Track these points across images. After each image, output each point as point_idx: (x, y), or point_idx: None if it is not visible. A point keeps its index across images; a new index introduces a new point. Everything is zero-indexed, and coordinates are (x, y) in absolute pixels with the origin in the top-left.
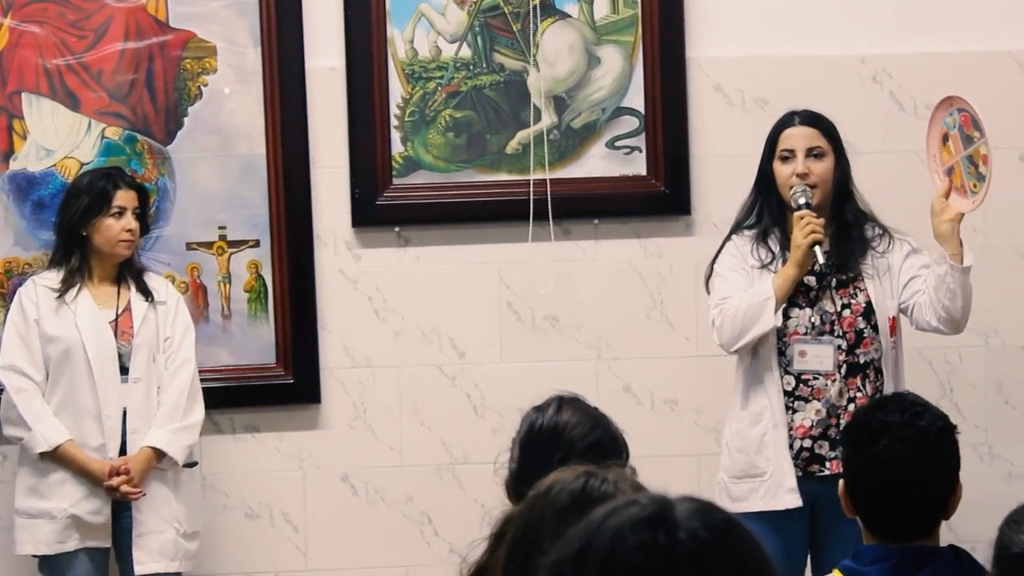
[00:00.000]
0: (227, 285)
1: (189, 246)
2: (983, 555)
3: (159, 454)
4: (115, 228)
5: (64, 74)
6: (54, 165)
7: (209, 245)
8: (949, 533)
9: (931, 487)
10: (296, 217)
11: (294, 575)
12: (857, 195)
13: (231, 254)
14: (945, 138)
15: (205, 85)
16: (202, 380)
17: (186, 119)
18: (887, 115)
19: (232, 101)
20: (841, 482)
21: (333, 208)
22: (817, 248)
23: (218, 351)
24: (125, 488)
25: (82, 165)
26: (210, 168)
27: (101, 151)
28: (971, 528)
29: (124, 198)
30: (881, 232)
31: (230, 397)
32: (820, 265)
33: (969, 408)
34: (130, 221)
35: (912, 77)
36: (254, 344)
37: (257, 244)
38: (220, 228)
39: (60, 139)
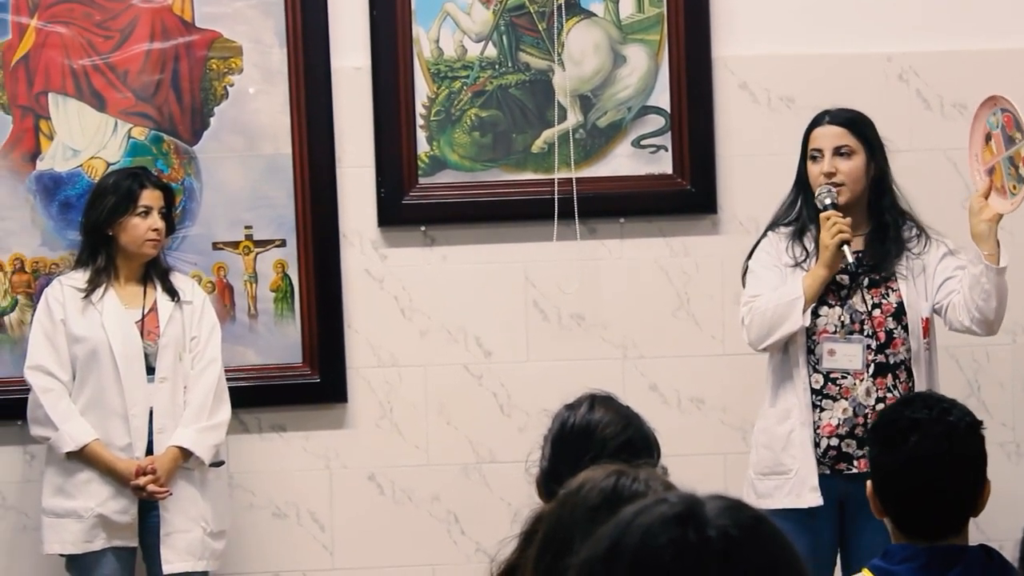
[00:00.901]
0: (253, 285)
1: (215, 246)
2: (1011, 553)
3: (186, 454)
4: (141, 228)
5: (90, 74)
6: (80, 165)
7: (235, 245)
8: (977, 531)
9: (960, 483)
10: (322, 217)
11: (321, 574)
12: (897, 193)
13: (257, 254)
14: (988, 137)
15: (231, 85)
16: (229, 379)
17: (212, 119)
18: (913, 113)
19: (258, 101)
20: (869, 483)
21: (359, 208)
22: (845, 248)
23: (244, 350)
24: (152, 487)
25: (108, 165)
26: (236, 168)
27: (127, 151)
28: (999, 526)
29: (150, 197)
30: (918, 233)
31: (257, 396)
32: (850, 264)
33: (997, 406)
34: (156, 220)
35: (939, 75)
36: (280, 343)
37: (283, 244)
38: (246, 228)
39: (86, 139)
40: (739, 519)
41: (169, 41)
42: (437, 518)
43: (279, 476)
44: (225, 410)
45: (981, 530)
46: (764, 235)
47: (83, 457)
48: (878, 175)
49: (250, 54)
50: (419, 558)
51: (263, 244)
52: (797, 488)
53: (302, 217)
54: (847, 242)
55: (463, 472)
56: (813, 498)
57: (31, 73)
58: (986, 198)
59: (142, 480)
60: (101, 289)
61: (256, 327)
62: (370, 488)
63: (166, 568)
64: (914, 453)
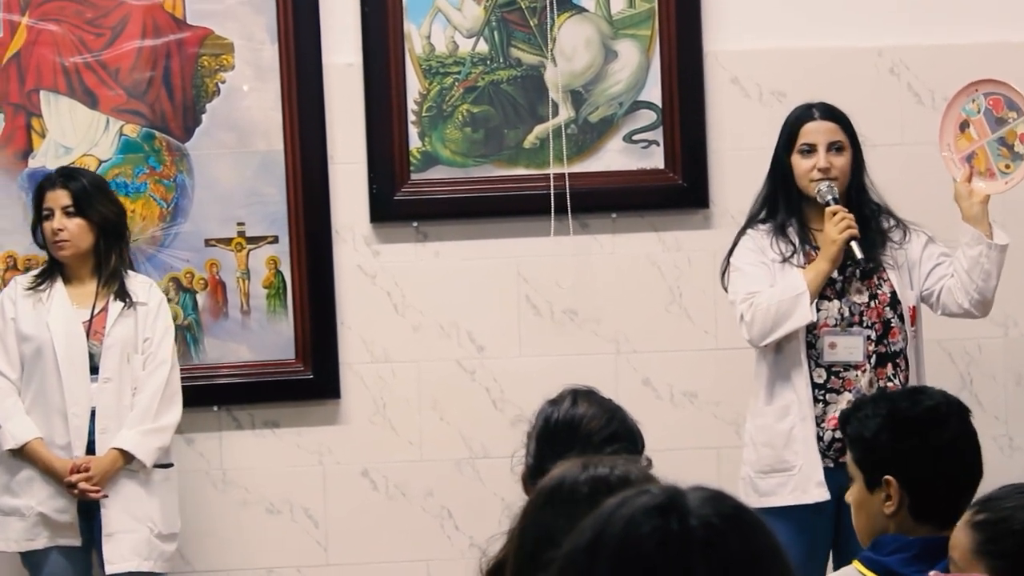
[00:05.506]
0: (246, 281)
1: (208, 243)
2: None
3: (127, 456)
4: (46, 231)
5: (82, 72)
6: (72, 163)
7: (228, 241)
8: None
9: (978, 465)
10: (314, 213)
11: (315, 570)
12: (871, 187)
13: (250, 250)
14: (964, 125)
15: (223, 82)
16: (221, 376)
17: (204, 116)
18: (904, 107)
19: (250, 98)
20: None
21: (351, 204)
22: (854, 244)
23: (237, 347)
24: (83, 486)
25: (100, 163)
26: (228, 165)
27: (119, 149)
28: None
29: (51, 199)
30: (896, 223)
31: (249, 393)
32: (859, 260)
33: (989, 399)
34: (58, 221)
35: (930, 69)
36: (273, 340)
37: (276, 240)
38: (239, 224)
39: (78, 137)
40: (721, 508)
41: (160, 38)
42: (431, 513)
43: (272, 472)
44: (174, 412)
45: None
46: (743, 232)
47: (24, 455)
48: (858, 169)
49: (241, 51)
50: (413, 553)
51: (255, 241)
52: (803, 484)
53: (294, 213)
54: (856, 238)
55: (456, 467)
56: (819, 493)
57: (23, 71)
58: (969, 182)
59: (75, 477)
60: (49, 288)
61: (249, 323)
62: (363, 484)
63: (108, 568)
64: (941, 438)
